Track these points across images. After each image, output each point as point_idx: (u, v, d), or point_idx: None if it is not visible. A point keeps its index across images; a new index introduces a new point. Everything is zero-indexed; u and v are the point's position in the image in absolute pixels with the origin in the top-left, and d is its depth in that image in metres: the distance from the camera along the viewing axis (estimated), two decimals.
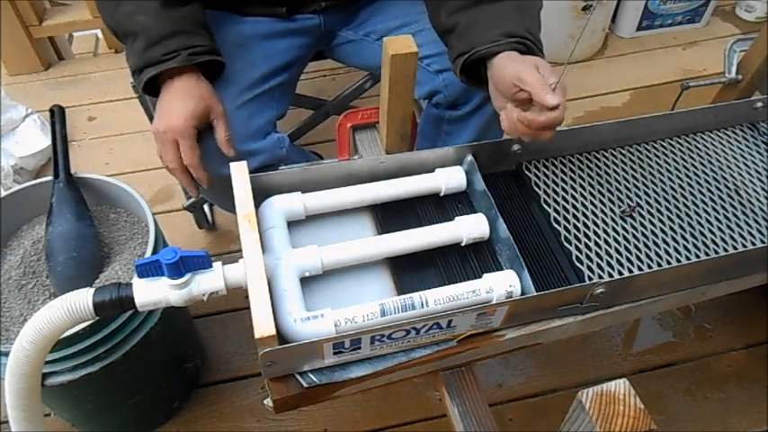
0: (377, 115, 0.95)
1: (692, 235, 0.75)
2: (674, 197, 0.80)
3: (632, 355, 1.25)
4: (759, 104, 0.90)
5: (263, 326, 0.55)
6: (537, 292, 0.64)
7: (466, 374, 0.71)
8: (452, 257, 0.71)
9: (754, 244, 0.75)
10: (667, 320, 1.31)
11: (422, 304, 0.62)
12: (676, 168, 0.85)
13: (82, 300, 0.58)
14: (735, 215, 0.78)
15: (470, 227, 0.70)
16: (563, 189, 0.80)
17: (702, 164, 0.86)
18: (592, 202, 0.78)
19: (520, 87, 0.69)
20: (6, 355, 0.64)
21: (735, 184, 0.83)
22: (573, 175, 0.82)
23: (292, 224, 0.71)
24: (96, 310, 0.59)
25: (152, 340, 0.92)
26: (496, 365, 1.23)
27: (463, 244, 0.71)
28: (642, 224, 0.76)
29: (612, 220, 0.76)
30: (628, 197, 0.80)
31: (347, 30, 1.05)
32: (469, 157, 0.77)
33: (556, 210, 0.77)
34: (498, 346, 0.67)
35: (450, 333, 0.64)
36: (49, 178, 0.96)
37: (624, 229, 0.75)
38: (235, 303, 1.30)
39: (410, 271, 0.70)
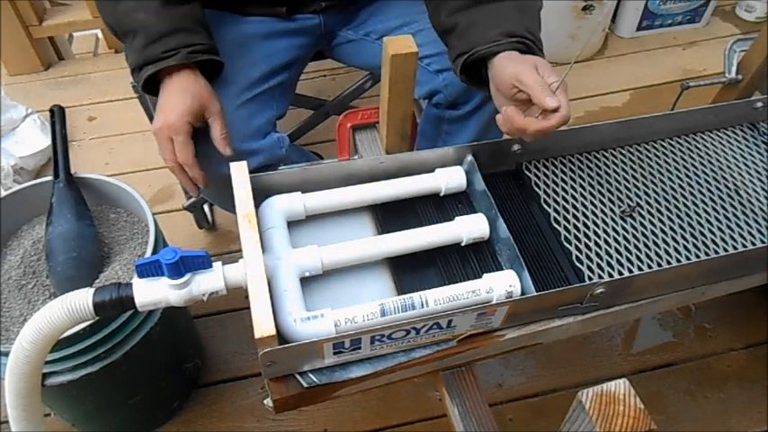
0: (377, 115, 0.95)
1: (692, 235, 0.75)
2: (674, 197, 0.80)
3: (632, 355, 1.25)
4: (759, 104, 0.90)
5: (263, 326, 0.55)
6: (537, 292, 0.64)
7: (466, 374, 0.71)
8: (452, 257, 0.71)
9: (754, 244, 0.75)
10: (667, 320, 1.31)
11: (422, 304, 0.62)
12: (676, 168, 0.85)
13: (82, 300, 0.58)
14: (735, 215, 0.78)
15: (470, 227, 0.70)
16: (563, 189, 0.80)
17: (702, 164, 0.86)
18: (592, 202, 0.78)
19: (519, 88, 0.69)
20: (6, 355, 0.64)
21: (735, 184, 0.83)
22: (573, 175, 0.82)
23: (292, 224, 0.71)
24: (96, 310, 0.59)
25: (152, 340, 0.92)
26: (496, 365, 1.23)
27: (463, 244, 0.71)
28: (642, 224, 0.76)
29: (612, 220, 0.76)
30: (628, 197, 0.80)
31: (347, 29, 1.05)
32: (469, 157, 0.77)
33: (556, 210, 0.77)
34: (498, 346, 0.67)
35: (450, 333, 0.64)
36: (49, 178, 0.96)
37: (624, 229, 0.75)
38: (235, 303, 1.30)
39: (410, 271, 0.70)
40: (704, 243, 0.75)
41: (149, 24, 0.76)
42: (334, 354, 0.61)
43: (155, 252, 0.86)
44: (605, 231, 0.75)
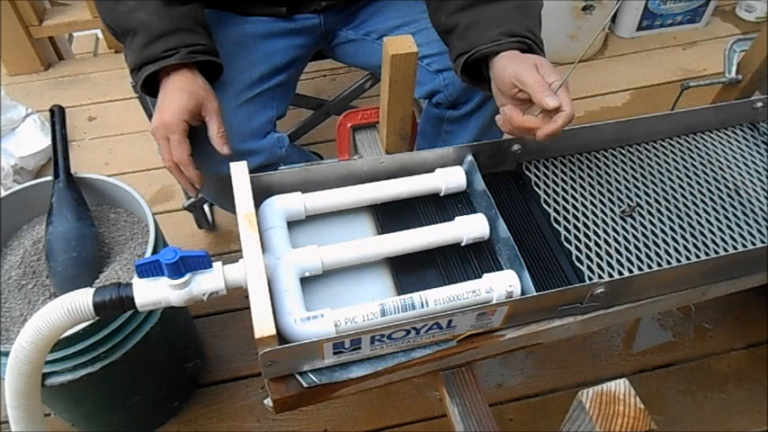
0: (377, 115, 0.95)
1: (692, 235, 0.75)
2: (674, 197, 0.80)
3: (632, 355, 1.25)
4: (759, 104, 0.90)
5: (263, 326, 0.55)
6: (537, 292, 0.64)
7: (466, 374, 0.71)
8: (452, 257, 0.71)
9: (754, 244, 0.75)
10: (667, 320, 1.31)
11: (422, 304, 0.62)
12: (676, 168, 0.85)
13: (82, 300, 0.58)
14: (735, 215, 0.78)
15: (470, 227, 0.70)
16: (563, 189, 0.80)
17: (702, 164, 0.86)
18: (592, 202, 0.78)
19: (519, 88, 0.69)
20: (6, 355, 0.64)
21: (735, 184, 0.83)
22: (573, 175, 0.82)
23: (292, 224, 0.71)
24: (96, 310, 0.59)
25: (152, 340, 0.92)
26: (496, 365, 1.23)
27: (463, 244, 0.71)
28: (642, 224, 0.76)
29: (612, 220, 0.76)
30: (628, 197, 0.80)
31: (347, 29, 1.05)
32: (469, 157, 0.77)
33: (556, 210, 0.77)
34: (498, 346, 0.67)
35: (450, 333, 0.64)
36: (49, 178, 0.96)
37: (624, 229, 0.75)
38: (235, 303, 1.30)
39: (410, 271, 0.70)
40: (704, 243, 0.75)
41: (149, 23, 0.76)
42: (334, 354, 0.61)
43: (155, 252, 0.86)
44: (605, 231, 0.75)
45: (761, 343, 1.26)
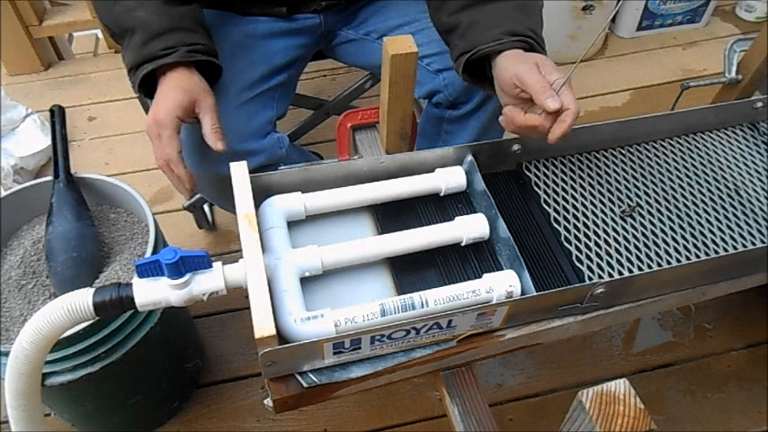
0: (377, 115, 0.95)
1: (692, 235, 0.75)
2: (674, 197, 0.80)
3: (632, 355, 1.25)
4: (759, 104, 0.90)
5: (263, 326, 0.55)
6: (537, 292, 0.64)
7: (466, 374, 0.71)
8: (452, 257, 0.71)
9: (754, 244, 0.75)
10: (667, 320, 1.31)
11: (422, 304, 0.62)
12: (676, 168, 0.85)
13: (82, 300, 0.58)
14: (735, 215, 0.78)
15: (470, 227, 0.70)
16: (563, 189, 0.80)
17: (702, 164, 0.86)
18: (592, 202, 0.78)
19: (521, 88, 0.69)
20: (6, 355, 0.64)
21: (735, 184, 0.83)
22: (573, 175, 0.82)
23: (292, 224, 0.71)
24: (96, 310, 0.59)
25: (152, 340, 0.92)
26: (496, 365, 1.23)
27: (463, 244, 0.71)
28: (642, 224, 0.76)
29: (612, 220, 0.76)
30: (628, 197, 0.80)
31: (347, 29, 1.05)
32: (469, 157, 0.77)
33: (556, 210, 0.77)
34: (498, 346, 0.67)
35: (450, 333, 0.64)
36: (49, 178, 0.96)
37: (624, 229, 0.75)
38: (235, 303, 1.30)
39: (410, 271, 0.70)
40: (704, 243, 0.75)
41: (148, 22, 0.75)
42: (334, 354, 0.61)
43: (155, 252, 0.86)
44: (605, 231, 0.75)
45: (761, 343, 1.26)
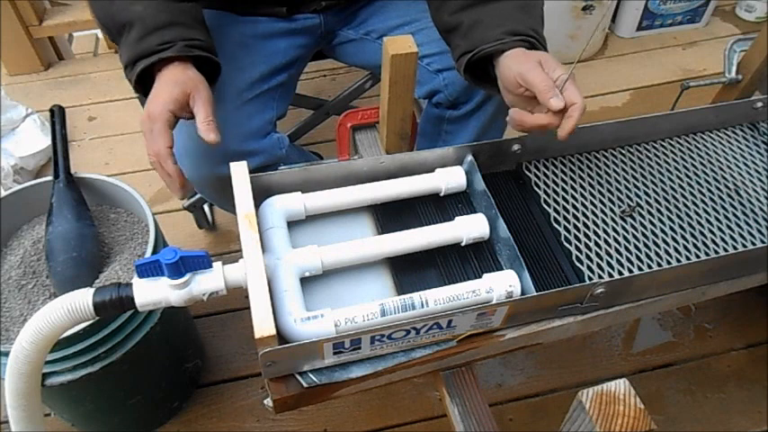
0: (377, 115, 0.95)
1: (692, 235, 0.75)
2: (674, 197, 0.80)
3: (632, 355, 1.25)
4: (759, 104, 0.90)
5: (263, 326, 0.55)
6: (537, 292, 0.64)
7: (466, 374, 0.71)
8: (452, 257, 0.71)
9: (754, 244, 0.75)
10: (667, 320, 1.31)
11: (422, 304, 0.62)
12: (676, 168, 0.85)
13: (82, 300, 0.58)
14: (735, 215, 0.78)
15: (470, 227, 0.70)
16: (563, 189, 0.80)
17: (702, 164, 0.86)
18: (592, 202, 0.78)
19: (525, 87, 0.70)
20: (6, 355, 0.64)
21: (735, 184, 0.83)
22: (573, 175, 0.82)
23: (292, 224, 0.71)
24: (96, 310, 0.59)
25: (152, 340, 0.92)
26: (496, 365, 1.23)
27: (463, 244, 0.71)
28: (642, 224, 0.76)
29: (612, 220, 0.76)
30: (628, 197, 0.80)
31: (347, 29, 1.05)
32: (469, 157, 0.77)
33: (556, 210, 0.77)
34: (498, 346, 0.67)
35: (450, 333, 0.64)
36: (49, 178, 0.96)
37: (624, 229, 0.75)
38: (235, 303, 1.30)
39: (410, 271, 0.70)
40: (704, 243, 0.75)
41: (146, 16, 0.73)
42: (334, 354, 0.61)
43: (155, 252, 0.86)
44: (605, 231, 0.75)
45: (761, 343, 1.26)
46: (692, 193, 0.81)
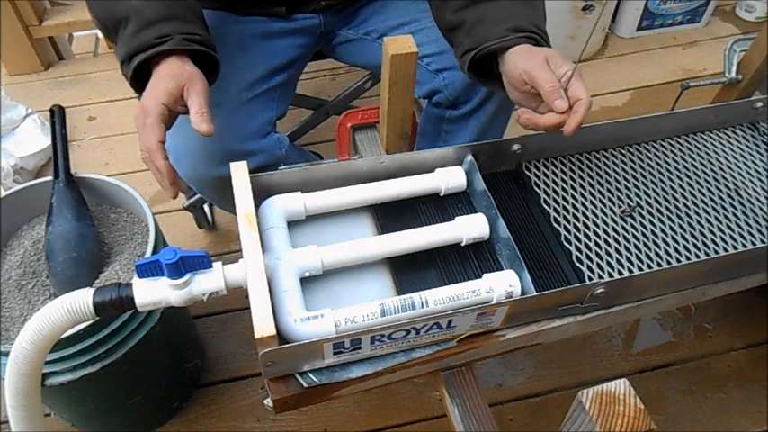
0: (377, 115, 0.95)
1: (692, 235, 0.75)
2: (674, 197, 0.80)
3: (632, 355, 1.25)
4: (759, 104, 0.90)
5: (263, 326, 0.55)
6: (537, 292, 0.64)
7: (466, 374, 0.71)
8: (452, 257, 0.71)
9: (754, 244, 0.75)
10: (667, 320, 1.31)
11: (422, 304, 0.62)
12: (676, 168, 0.85)
13: (82, 300, 0.58)
14: (735, 215, 0.78)
15: (470, 227, 0.70)
16: (563, 189, 0.80)
17: (702, 164, 0.86)
18: (592, 202, 0.78)
19: (531, 84, 0.70)
20: (6, 355, 0.64)
21: (735, 184, 0.83)
22: (573, 175, 0.82)
23: (292, 224, 0.71)
24: (96, 310, 0.59)
25: (152, 340, 0.92)
26: (496, 365, 1.23)
27: (463, 244, 0.71)
28: (642, 224, 0.76)
29: (612, 220, 0.76)
30: (628, 197, 0.80)
31: (347, 29, 1.05)
32: (469, 157, 0.77)
33: (556, 210, 0.77)
34: (498, 346, 0.67)
35: (450, 333, 0.64)
36: (49, 178, 0.96)
37: (624, 229, 0.75)
38: (235, 303, 1.30)
39: (410, 271, 0.70)
40: (704, 243, 0.75)
41: (142, 9, 0.71)
42: (334, 354, 0.61)
43: (155, 252, 0.86)
44: (605, 231, 0.75)
45: (761, 343, 1.26)
46: (691, 193, 0.81)
